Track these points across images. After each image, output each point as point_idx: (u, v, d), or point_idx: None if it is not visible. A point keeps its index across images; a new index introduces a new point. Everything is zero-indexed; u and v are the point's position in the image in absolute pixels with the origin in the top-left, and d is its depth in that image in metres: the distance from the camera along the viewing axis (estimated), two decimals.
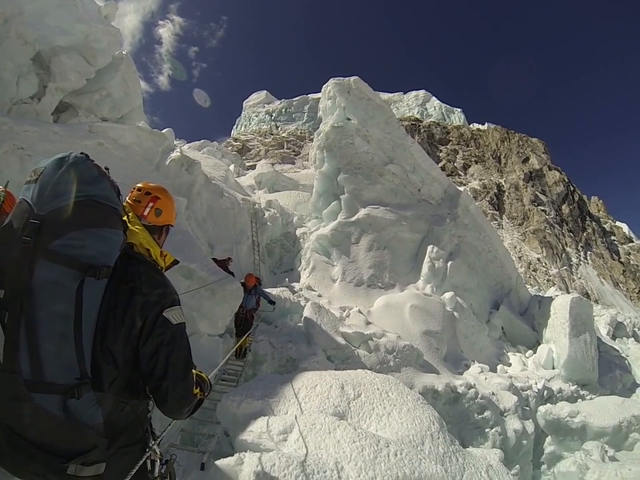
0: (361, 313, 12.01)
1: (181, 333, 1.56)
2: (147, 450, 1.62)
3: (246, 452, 3.98)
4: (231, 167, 28.16)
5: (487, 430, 9.48)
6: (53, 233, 1.32)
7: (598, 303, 48.63)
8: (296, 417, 4.69)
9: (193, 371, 1.67)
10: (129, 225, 1.66)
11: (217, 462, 3.88)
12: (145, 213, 1.89)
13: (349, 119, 19.11)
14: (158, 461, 1.68)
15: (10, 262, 1.34)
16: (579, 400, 12.13)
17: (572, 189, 79.43)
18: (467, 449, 5.53)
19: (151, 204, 1.91)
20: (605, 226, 77.99)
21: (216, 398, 6.22)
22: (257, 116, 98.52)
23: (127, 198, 1.91)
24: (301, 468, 3.69)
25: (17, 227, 1.35)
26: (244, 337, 8.18)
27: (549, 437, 10.34)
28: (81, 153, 1.44)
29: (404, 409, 5.55)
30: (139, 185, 1.99)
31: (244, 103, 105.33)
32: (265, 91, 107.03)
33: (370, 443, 4.27)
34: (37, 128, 8.37)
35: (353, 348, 9.59)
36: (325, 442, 4.25)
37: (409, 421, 5.29)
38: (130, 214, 1.80)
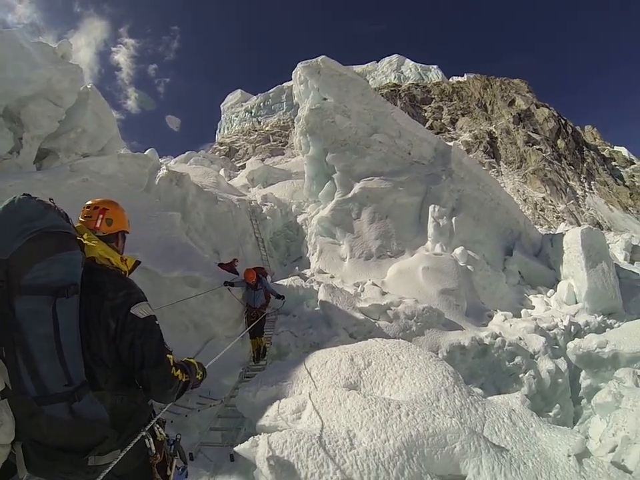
0: (375, 285, 12.00)
1: (150, 325, 1.76)
2: (142, 430, 1.80)
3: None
4: (221, 172, 28.20)
5: (520, 375, 9.50)
6: (20, 271, 1.51)
7: (611, 230, 48.35)
8: (308, 395, 4.79)
9: (169, 356, 1.83)
10: (85, 242, 1.84)
11: (235, 448, 4.00)
12: (98, 225, 2.06)
13: (325, 99, 18.90)
14: (152, 439, 1.87)
15: None
16: (607, 329, 12.04)
17: (563, 122, 78.32)
18: (489, 397, 5.52)
19: (100, 216, 2.09)
20: (604, 153, 77.01)
21: None
22: (236, 116, 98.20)
23: (79, 217, 2.10)
24: (313, 440, 3.79)
25: None
26: (243, 331, 7.35)
27: (583, 371, 10.26)
28: (24, 194, 1.61)
29: (415, 369, 5.54)
30: (88, 203, 2.17)
31: (221, 106, 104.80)
32: (240, 90, 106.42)
33: (380, 408, 4.29)
34: (20, 180, 8.48)
35: (373, 320, 9.59)
36: (335, 413, 4.31)
37: (421, 380, 5.29)
38: (85, 234, 1.95)
